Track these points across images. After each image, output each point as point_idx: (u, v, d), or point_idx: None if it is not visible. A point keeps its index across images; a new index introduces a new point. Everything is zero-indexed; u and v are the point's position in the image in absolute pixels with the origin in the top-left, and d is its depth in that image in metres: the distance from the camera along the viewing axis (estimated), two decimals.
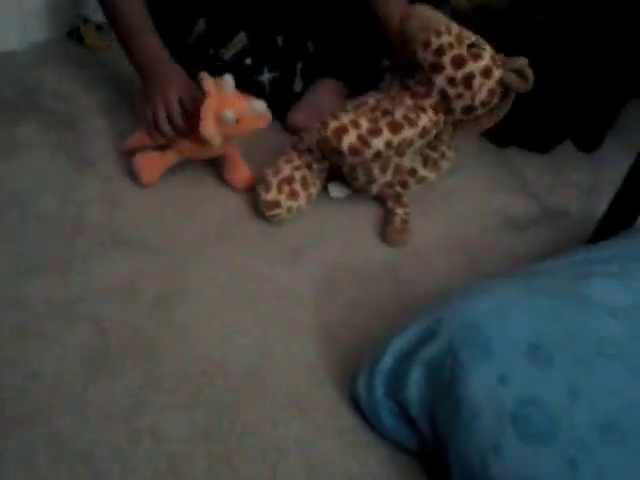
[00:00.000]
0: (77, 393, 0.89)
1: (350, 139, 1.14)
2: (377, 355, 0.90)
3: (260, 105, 1.17)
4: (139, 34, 1.26)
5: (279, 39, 1.42)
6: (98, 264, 1.07)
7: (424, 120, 1.19)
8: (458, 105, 1.19)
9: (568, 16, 1.49)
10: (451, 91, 1.17)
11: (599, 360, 0.76)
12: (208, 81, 1.15)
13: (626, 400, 0.73)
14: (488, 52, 1.16)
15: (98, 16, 1.59)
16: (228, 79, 1.15)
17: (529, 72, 1.17)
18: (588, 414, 0.72)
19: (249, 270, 1.12)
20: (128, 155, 1.25)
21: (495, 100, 1.20)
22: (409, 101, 1.20)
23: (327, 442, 0.89)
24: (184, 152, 1.24)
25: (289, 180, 1.22)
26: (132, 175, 1.23)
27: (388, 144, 1.16)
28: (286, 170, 1.23)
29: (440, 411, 0.82)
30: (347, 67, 1.48)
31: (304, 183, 1.24)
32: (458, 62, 1.15)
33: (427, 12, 1.19)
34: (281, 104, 1.42)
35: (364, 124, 1.15)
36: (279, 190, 1.21)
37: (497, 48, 1.21)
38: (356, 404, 0.93)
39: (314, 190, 1.26)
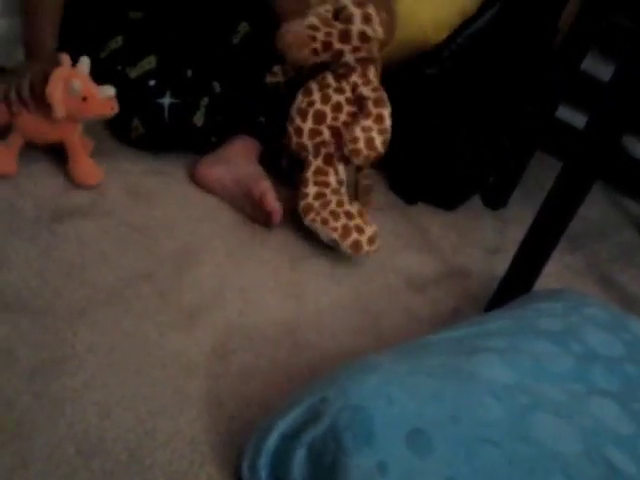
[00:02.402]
0: None
1: None
2: (262, 434, 0.86)
3: (109, 89, 1.24)
4: (35, 15, 1.32)
5: (189, 71, 1.43)
6: None
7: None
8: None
9: (462, 68, 1.51)
10: (355, 55, 1.32)
11: (479, 447, 0.75)
12: (65, 56, 1.23)
13: None
14: (349, 4, 1.29)
15: None
16: (84, 60, 1.24)
17: None
18: None
19: (138, 336, 1.07)
20: None
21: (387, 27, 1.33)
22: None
23: None
24: (27, 130, 1.25)
25: (362, 211, 1.33)
26: None
27: None
28: (355, 206, 1.33)
29: None
30: (260, 125, 1.46)
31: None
32: (343, 36, 1.29)
33: (289, 29, 1.28)
34: (180, 134, 1.40)
35: None
36: (369, 224, 1.31)
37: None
38: None
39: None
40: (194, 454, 0.93)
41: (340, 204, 1.31)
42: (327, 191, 1.32)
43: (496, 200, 1.67)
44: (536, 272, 1.27)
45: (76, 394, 0.96)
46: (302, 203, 1.32)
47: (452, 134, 1.52)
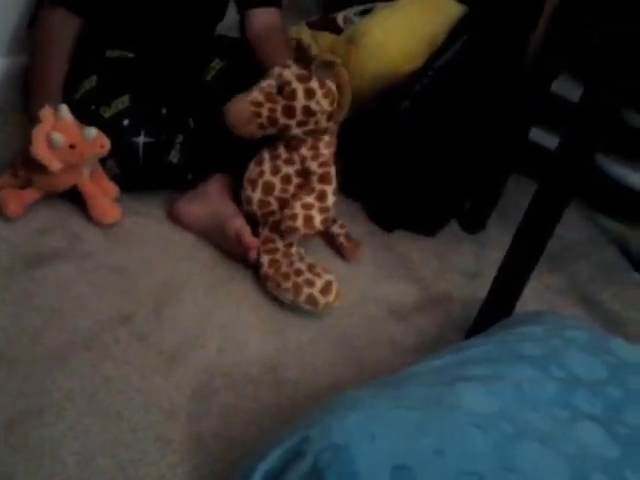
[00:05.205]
0: None
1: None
2: (245, 476, 0.85)
3: (91, 131, 1.26)
4: (44, 62, 1.39)
5: (163, 110, 1.43)
6: None
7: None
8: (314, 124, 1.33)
9: (434, 99, 1.53)
10: (302, 128, 1.32)
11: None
12: (45, 110, 1.25)
13: None
14: (293, 79, 1.30)
15: None
16: (63, 108, 1.26)
17: (331, 58, 1.35)
18: None
19: (118, 381, 1.06)
20: None
21: (335, 98, 1.33)
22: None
23: None
24: (41, 185, 1.29)
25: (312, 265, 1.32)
26: None
27: None
28: (305, 262, 1.32)
29: None
30: (236, 162, 1.46)
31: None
32: (288, 111, 1.30)
33: (233, 106, 1.31)
34: (155, 173, 1.40)
35: None
36: (323, 273, 1.30)
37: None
38: None
39: None
40: None
41: (289, 264, 1.30)
42: (278, 256, 1.32)
43: (474, 224, 1.67)
44: (516, 295, 1.27)
45: (55, 444, 0.95)
46: (260, 272, 1.32)
47: (427, 162, 1.53)
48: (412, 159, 1.52)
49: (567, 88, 1.66)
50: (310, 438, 0.81)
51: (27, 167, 1.27)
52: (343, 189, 1.59)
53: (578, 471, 0.78)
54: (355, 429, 0.79)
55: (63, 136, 1.23)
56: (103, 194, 1.34)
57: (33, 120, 1.29)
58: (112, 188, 1.37)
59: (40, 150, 1.22)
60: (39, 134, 1.22)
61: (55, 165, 1.23)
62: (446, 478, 0.74)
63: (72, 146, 1.25)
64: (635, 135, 1.76)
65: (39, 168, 1.24)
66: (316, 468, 0.77)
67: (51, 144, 1.23)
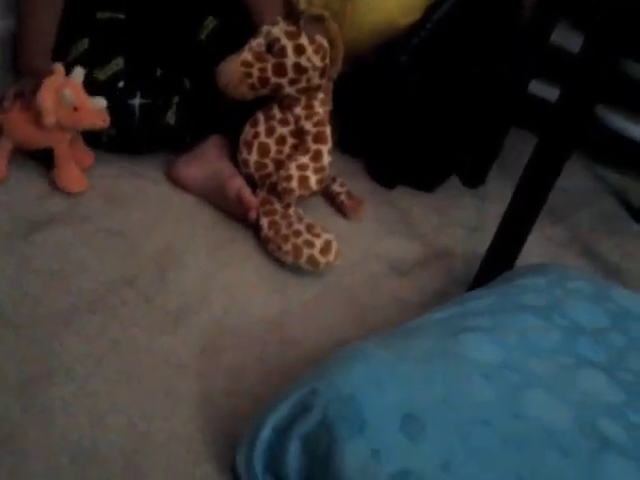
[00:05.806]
0: None
1: None
2: (255, 429, 0.87)
3: (100, 100, 1.25)
4: (31, 26, 1.36)
5: (158, 70, 1.42)
6: None
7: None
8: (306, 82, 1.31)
9: (433, 52, 1.51)
10: (294, 87, 1.30)
11: (472, 428, 0.75)
12: (58, 66, 1.24)
13: (499, 473, 0.71)
14: (281, 36, 1.27)
15: None
16: (78, 70, 1.25)
17: (319, 12, 1.31)
18: None
19: (125, 342, 1.06)
20: None
21: (326, 53, 1.30)
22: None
23: None
24: (16, 135, 1.26)
25: (311, 225, 1.31)
26: None
27: None
28: (303, 222, 1.32)
29: None
30: (233, 123, 1.46)
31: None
32: (278, 70, 1.28)
33: (224, 68, 1.30)
34: (152, 134, 1.39)
35: None
36: (322, 233, 1.30)
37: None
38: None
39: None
40: (190, 454, 0.93)
41: (289, 225, 1.30)
42: (276, 218, 1.31)
43: (474, 178, 1.67)
44: (517, 248, 1.28)
45: (66, 403, 0.96)
46: (261, 235, 1.32)
47: (426, 115, 1.52)
48: (411, 114, 1.51)
49: (567, 38, 1.64)
50: (317, 390, 0.82)
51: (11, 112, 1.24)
52: (343, 147, 1.60)
53: (583, 416, 0.80)
54: (362, 380, 0.80)
55: (72, 94, 1.21)
56: (76, 162, 1.32)
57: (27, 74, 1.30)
58: (88, 157, 1.36)
59: (46, 100, 1.19)
60: (51, 84, 1.20)
61: (51, 119, 1.21)
62: (454, 426, 0.76)
63: (76, 109, 1.23)
64: (636, 86, 1.75)
65: (23, 116, 1.22)
66: (325, 419, 0.79)
67: (58, 99, 1.20)
